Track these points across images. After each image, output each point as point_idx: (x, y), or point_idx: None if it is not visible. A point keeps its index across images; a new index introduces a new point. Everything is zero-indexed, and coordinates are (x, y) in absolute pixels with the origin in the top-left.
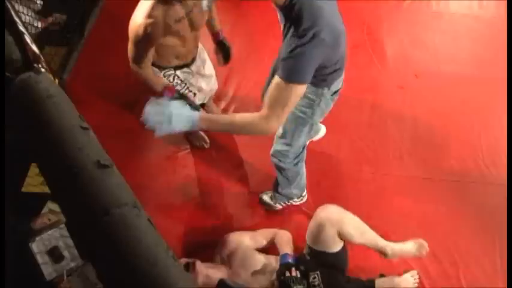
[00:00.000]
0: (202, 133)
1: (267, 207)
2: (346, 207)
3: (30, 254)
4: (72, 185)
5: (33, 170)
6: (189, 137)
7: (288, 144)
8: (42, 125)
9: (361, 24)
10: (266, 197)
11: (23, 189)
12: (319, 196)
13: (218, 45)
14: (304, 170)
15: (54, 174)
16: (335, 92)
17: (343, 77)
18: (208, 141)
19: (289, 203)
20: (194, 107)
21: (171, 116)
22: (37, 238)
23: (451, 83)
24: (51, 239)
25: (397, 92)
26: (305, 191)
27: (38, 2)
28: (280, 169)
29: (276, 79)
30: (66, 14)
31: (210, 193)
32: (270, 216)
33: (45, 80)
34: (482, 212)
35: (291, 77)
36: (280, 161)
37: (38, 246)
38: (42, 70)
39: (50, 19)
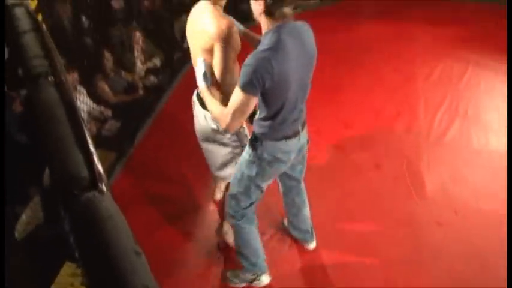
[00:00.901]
0: None
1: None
2: None
3: None
4: None
5: (67, 269)
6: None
7: (234, 189)
8: (100, 244)
9: (401, 157)
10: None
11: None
12: None
13: None
14: (251, 237)
15: None
16: (274, 160)
17: (288, 148)
18: None
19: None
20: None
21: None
22: None
23: (491, 222)
24: None
25: (436, 228)
26: (261, 271)
27: (108, 113)
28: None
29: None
30: (120, 122)
31: None
32: None
33: (107, 200)
34: None
35: (240, 84)
36: (229, 206)
37: None
38: (105, 190)
39: (106, 125)
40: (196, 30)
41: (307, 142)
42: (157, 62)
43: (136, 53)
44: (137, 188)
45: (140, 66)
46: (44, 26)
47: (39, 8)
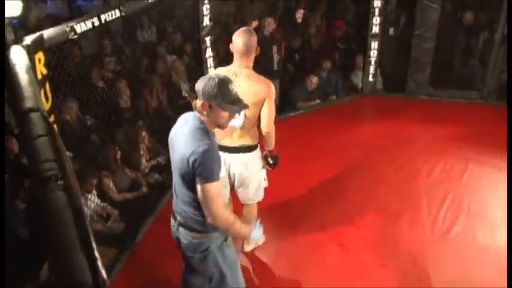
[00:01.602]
0: None
1: None
2: None
3: None
4: None
5: None
6: None
7: None
8: None
9: (406, 256)
10: None
11: None
12: None
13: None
14: None
15: None
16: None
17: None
18: None
19: None
20: None
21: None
22: None
23: None
24: None
25: None
26: None
27: (111, 210)
28: None
29: None
30: (123, 219)
31: None
32: None
33: None
34: None
35: None
36: None
37: None
38: None
39: (108, 222)
40: (248, 89)
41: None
42: (161, 160)
43: (141, 152)
44: (136, 285)
45: (145, 164)
46: (55, 127)
47: (52, 110)
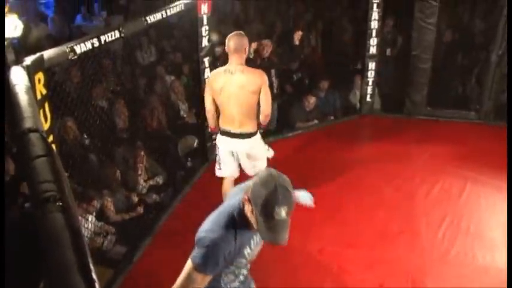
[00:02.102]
0: None
1: None
2: None
3: None
4: None
5: None
6: None
7: None
8: None
9: (406, 276)
10: None
11: None
12: None
13: None
14: None
15: None
16: None
17: None
18: None
19: None
20: None
21: None
22: None
23: None
24: None
25: None
26: None
27: (108, 229)
28: None
29: None
30: (120, 239)
31: None
32: None
33: None
34: None
35: None
36: None
37: None
38: None
39: (105, 242)
40: (245, 81)
41: None
42: (159, 180)
43: (139, 171)
44: None
45: (143, 184)
46: (54, 147)
47: (51, 130)
